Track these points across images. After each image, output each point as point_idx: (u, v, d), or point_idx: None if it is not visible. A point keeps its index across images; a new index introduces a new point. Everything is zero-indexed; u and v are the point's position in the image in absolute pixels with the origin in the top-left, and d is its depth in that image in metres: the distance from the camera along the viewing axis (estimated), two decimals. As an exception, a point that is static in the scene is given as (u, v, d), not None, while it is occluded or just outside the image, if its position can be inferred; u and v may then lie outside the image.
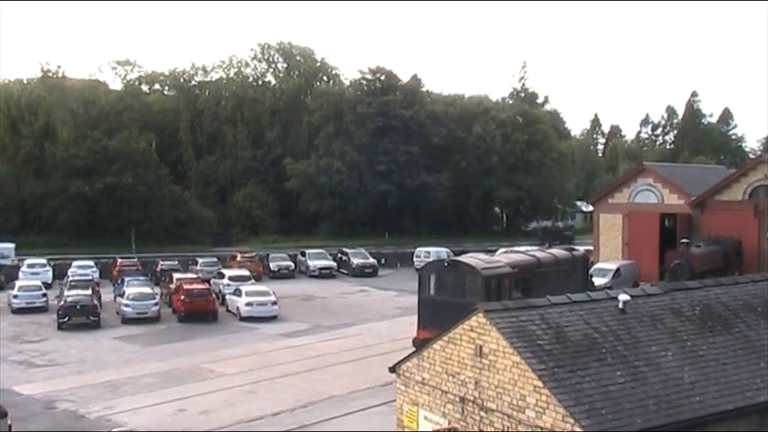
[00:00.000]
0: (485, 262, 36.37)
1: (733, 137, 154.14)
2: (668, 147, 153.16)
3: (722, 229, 53.15)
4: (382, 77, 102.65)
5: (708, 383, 16.56)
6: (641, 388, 15.80)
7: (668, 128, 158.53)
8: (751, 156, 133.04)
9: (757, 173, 53.26)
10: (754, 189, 53.03)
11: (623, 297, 18.49)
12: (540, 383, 15.36)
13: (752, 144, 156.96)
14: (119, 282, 54.82)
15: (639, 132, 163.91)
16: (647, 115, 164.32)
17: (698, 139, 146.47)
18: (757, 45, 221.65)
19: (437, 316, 31.45)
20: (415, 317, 35.09)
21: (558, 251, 43.94)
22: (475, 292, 33.35)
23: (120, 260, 65.12)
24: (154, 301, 47.81)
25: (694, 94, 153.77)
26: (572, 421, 14.61)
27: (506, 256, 40.86)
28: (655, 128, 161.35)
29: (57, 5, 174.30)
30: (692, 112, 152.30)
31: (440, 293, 34.74)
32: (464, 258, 37.74)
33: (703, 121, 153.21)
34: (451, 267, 35.37)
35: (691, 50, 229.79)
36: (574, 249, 46.02)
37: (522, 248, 54.55)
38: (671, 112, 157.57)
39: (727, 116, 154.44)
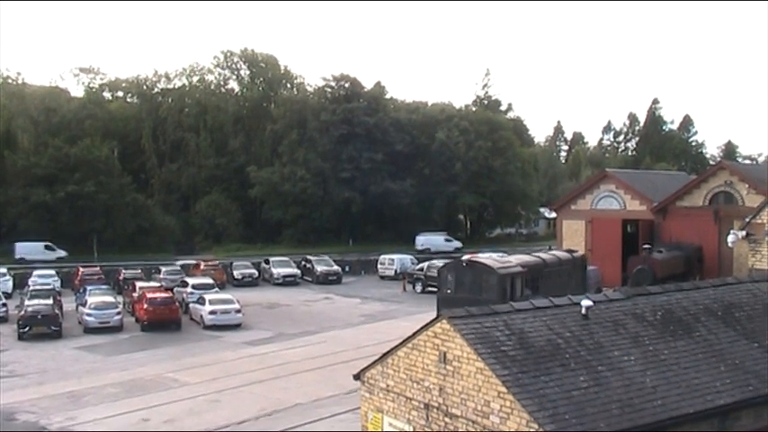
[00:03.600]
0: (499, 262, 39.69)
1: (693, 143, 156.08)
2: (630, 153, 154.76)
3: (683, 235, 53.75)
4: (346, 85, 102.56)
5: (669, 387, 16.70)
6: (604, 392, 15.89)
7: (630, 135, 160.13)
8: (711, 162, 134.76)
9: (717, 179, 53.91)
10: (714, 195, 53.66)
11: (586, 303, 18.59)
12: (503, 389, 15.40)
13: (712, 150, 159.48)
14: (81, 291, 54.40)
15: (602, 139, 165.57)
16: (610, 122, 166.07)
17: (659, 145, 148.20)
18: (717, 53, 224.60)
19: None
20: (380, 324, 35.56)
21: (560, 253, 47.11)
22: (491, 289, 36.15)
23: (82, 269, 64.61)
24: (116, 311, 47.48)
25: (655, 102, 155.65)
26: (536, 426, 14.66)
27: (516, 258, 43.73)
28: (617, 135, 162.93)
29: (16, 10, 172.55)
30: (654, 119, 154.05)
31: (458, 291, 37.39)
32: (481, 259, 41.34)
33: (664, 128, 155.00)
34: (469, 267, 38.55)
35: (652, 58, 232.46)
36: (573, 252, 48.73)
37: (486, 254, 54.98)
38: (633, 119, 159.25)
39: (687, 123, 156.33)
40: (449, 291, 38.51)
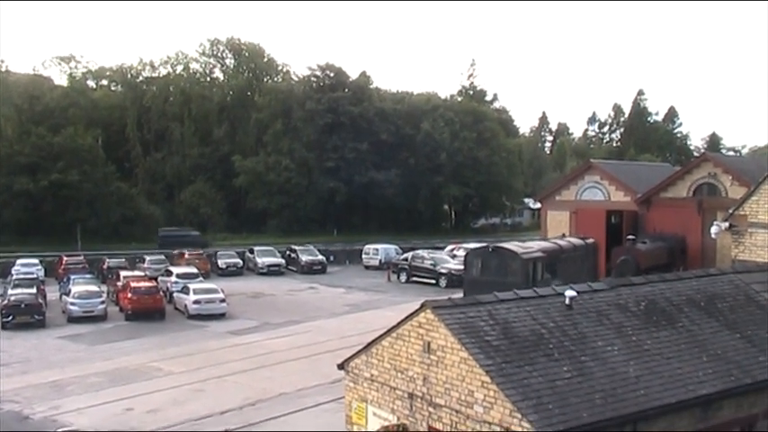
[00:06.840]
0: (523, 248, 42.26)
1: (678, 135, 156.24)
2: (615, 144, 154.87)
3: (667, 226, 53.84)
4: (331, 74, 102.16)
5: (652, 377, 16.80)
6: (587, 382, 15.98)
7: (615, 126, 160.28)
8: (695, 154, 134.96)
9: (701, 170, 53.98)
10: (698, 186, 53.77)
11: (570, 293, 18.66)
12: (487, 379, 15.45)
13: (696, 142, 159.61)
14: (64, 280, 54.12)
15: (587, 130, 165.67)
16: (595, 113, 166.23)
17: (644, 137, 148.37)
18: (702, 45, 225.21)
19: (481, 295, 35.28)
20: (365, 314, 35.97)
21: (575, 240, 49.97)
22: (515, 273, 38.61)
23: (65, 258, 64.26)
24: (100, 300, 47.32)
25: (640, 93, 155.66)
26: (519, 416, 14.72)
27: (536, 244, 47.06)
28: (602, 126, 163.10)
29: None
30: (639, 110, 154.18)
31: (484, 275, 39.80)
32: (505, 245, 43.79)
33: (649, 119, 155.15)
34: (494, 252, 40.91)
35: (638, 49, 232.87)
36: (587, 238, 51.27)
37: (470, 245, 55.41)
38: (618, 110, 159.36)
39: (672, 115, 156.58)
40: (475, 274, 40.84)
